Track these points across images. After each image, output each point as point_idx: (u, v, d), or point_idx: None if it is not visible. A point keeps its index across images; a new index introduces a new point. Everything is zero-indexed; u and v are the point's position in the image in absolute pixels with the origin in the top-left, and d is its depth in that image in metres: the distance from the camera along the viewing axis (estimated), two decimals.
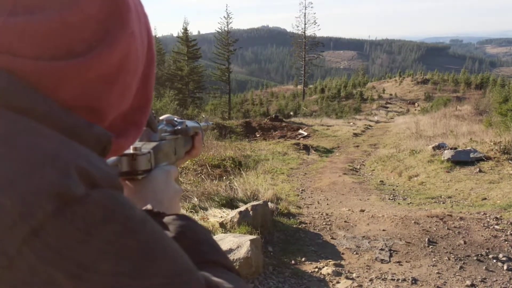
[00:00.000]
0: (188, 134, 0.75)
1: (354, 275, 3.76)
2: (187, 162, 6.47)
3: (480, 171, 7.93)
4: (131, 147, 0.56)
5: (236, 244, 3.59)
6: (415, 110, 37.85)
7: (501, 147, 8.66)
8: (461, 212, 5.61)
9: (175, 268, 0.33)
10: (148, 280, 0.31)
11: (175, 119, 0.75)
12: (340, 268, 3.87)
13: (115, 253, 0.30)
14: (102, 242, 0.29)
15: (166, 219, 0.49)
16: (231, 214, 4.54)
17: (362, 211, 5.72)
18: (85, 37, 0.38)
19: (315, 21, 53.32)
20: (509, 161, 8.12)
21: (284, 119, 23.38)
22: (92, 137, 0.39)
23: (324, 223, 5.13)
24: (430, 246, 4.36)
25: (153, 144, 0.61)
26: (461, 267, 3.88)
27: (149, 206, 0.50)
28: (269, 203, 5.10)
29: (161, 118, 0.72)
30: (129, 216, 0.32)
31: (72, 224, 0.29)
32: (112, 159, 0.53)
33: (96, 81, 0.39)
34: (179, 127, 0.72)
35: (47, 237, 0.28)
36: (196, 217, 4.76)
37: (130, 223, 0.32)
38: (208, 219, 4.73)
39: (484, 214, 5.42)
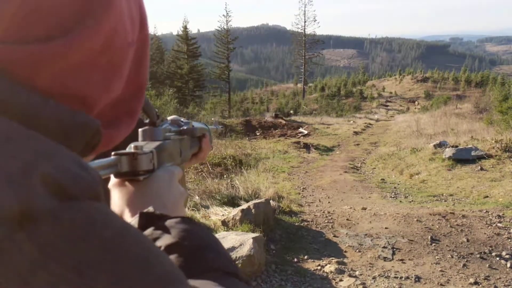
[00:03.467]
0: (194, 135, 0.72)
1: (357, 273, 3.75)
2: None
3: (481, 169, 7.92)
4: (132, 145, 0.52)
5: (238, 242, 3.58)
6: (415, 108, 37.88)
7: (503, 145, 8.64)
8: (463, 210, 5.60)
9: (159, 285, 0.29)
10: None
11: (182, 119, 0.72)
12: (343, 266, 3.86)
13: (88, 276, 0.26)
14: (64, 267, 0.25)
15: (168, 222, 0.45)
16: (233, 212, 4.53)
17: (364, 209, 5.71)
18: (63, 16, 0.33)
19: (314, 18, 53.24)
20: (511, 159, 8.10)
21: (284, 118, 23.35)
22: (76, 128, 0.35)
23: (326, 221, 5.12)
24: (433, 244, 4.35)
25: (156, 143, 0.57)
26: (464, 265, 3.87)
27: (150, 209, 0.46)
28: (270, 201, 5.09)
29: (168, 118, 0.70)
30: (107, 233, 0.28)
31: (33, 246, 0.25)
32: (111, 158, 0.50)
33: (77, 66, 0.35)
34: (185, 127, 0.69)
35: (8, 258, 0.24)
36: (197, 215, 4.75)
37: (108, 242, 0.27)
38: (210, 217, 4.72)
39: (486, 212, 5.41)
